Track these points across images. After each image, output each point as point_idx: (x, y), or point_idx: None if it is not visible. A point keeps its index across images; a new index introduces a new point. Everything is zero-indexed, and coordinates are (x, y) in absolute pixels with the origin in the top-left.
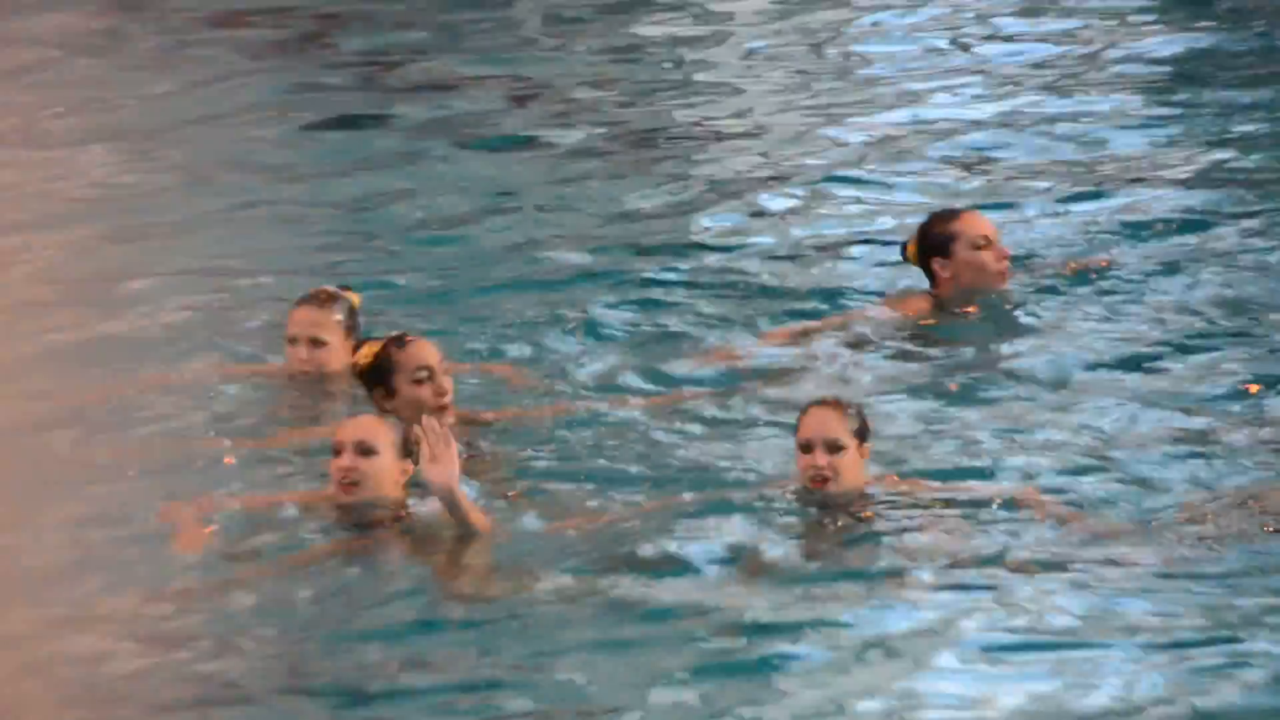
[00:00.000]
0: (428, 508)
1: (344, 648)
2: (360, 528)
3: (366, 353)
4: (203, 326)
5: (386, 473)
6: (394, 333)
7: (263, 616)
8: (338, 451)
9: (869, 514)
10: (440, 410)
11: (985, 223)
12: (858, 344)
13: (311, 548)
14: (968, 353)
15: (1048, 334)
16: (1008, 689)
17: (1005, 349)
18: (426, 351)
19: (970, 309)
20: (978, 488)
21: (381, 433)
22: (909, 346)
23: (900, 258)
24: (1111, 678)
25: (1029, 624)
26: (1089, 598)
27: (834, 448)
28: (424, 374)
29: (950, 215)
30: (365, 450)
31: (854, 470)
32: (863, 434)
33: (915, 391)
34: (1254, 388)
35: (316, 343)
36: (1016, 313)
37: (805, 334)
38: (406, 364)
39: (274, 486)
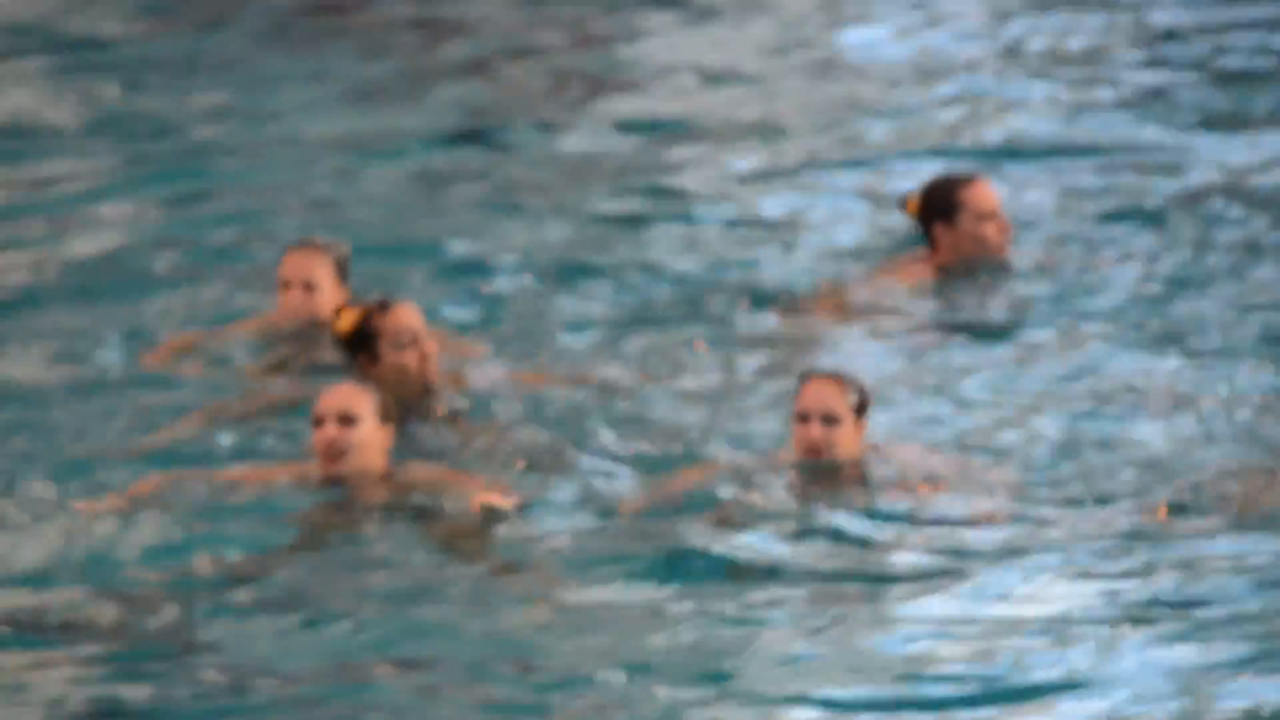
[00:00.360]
0: (410, 474)
1: (329, 628)
2: (343, 498)
3: (349, 318)
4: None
5: (370, 441)
6: (376, 297)
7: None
8: (319, 422)
9: (864, 486)
10: (423, 375)
11: (992, 194)
12: (859, 312)
13: (301, 516)
14: (966, 322)
15: (1047, 304)
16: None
17: (1003, 319)
18: (410, 316)
19: (969, 276)
20: (963, 464)
21: (362, 401)
22: (908, 315)
23: (899, 209)
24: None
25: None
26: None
27: (830, 420)
28: (408, 339)
29: (958, 182)
30: (347, 419)
31: (850, 442)
32: (861, 407)
33: (912, 361)
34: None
35: (309, 287)
36: (1014, 283)
37: (806, 303)
38: (390, 330)
39: (256, 456)
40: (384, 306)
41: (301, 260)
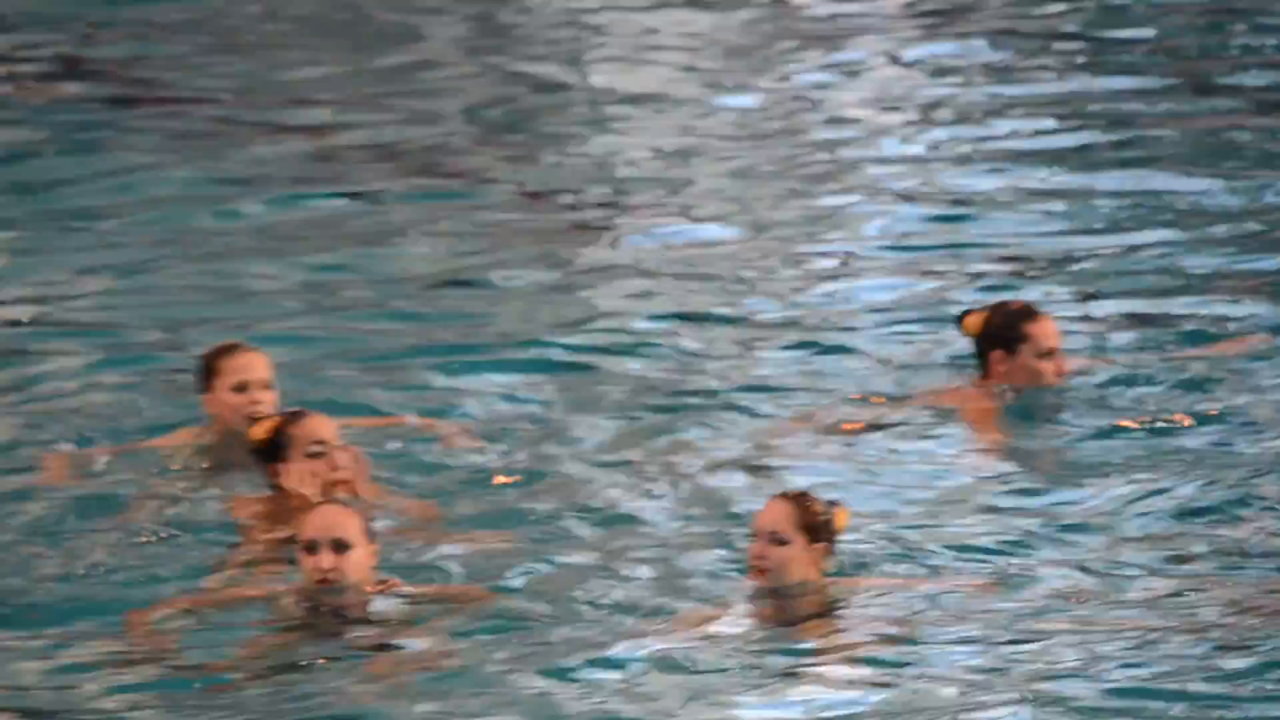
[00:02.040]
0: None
1: None
2: (330, 615)
3: (263, 428)
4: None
5: (362, 562)
6: (291, 409)
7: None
8: (311, 549)
9: (820, 619)
10: (335, 484)
11: (1055, 331)
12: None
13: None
14: (1007, 451)
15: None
16: None
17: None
18: (321, 426)
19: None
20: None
21: (353, 523)
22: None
23: (955, 326)
24: None
25: None
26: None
27: (777, 540)
28: (318, 448)
29: (1026, 315)
30: (340, 546)
31: (796, 566)
32: (817, 532)
33: (928, 486)
34: None
35: (268, 386)
36: (1062, 416)
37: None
38: (301, 438)
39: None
40: (295, 416)
41: (256, 358)
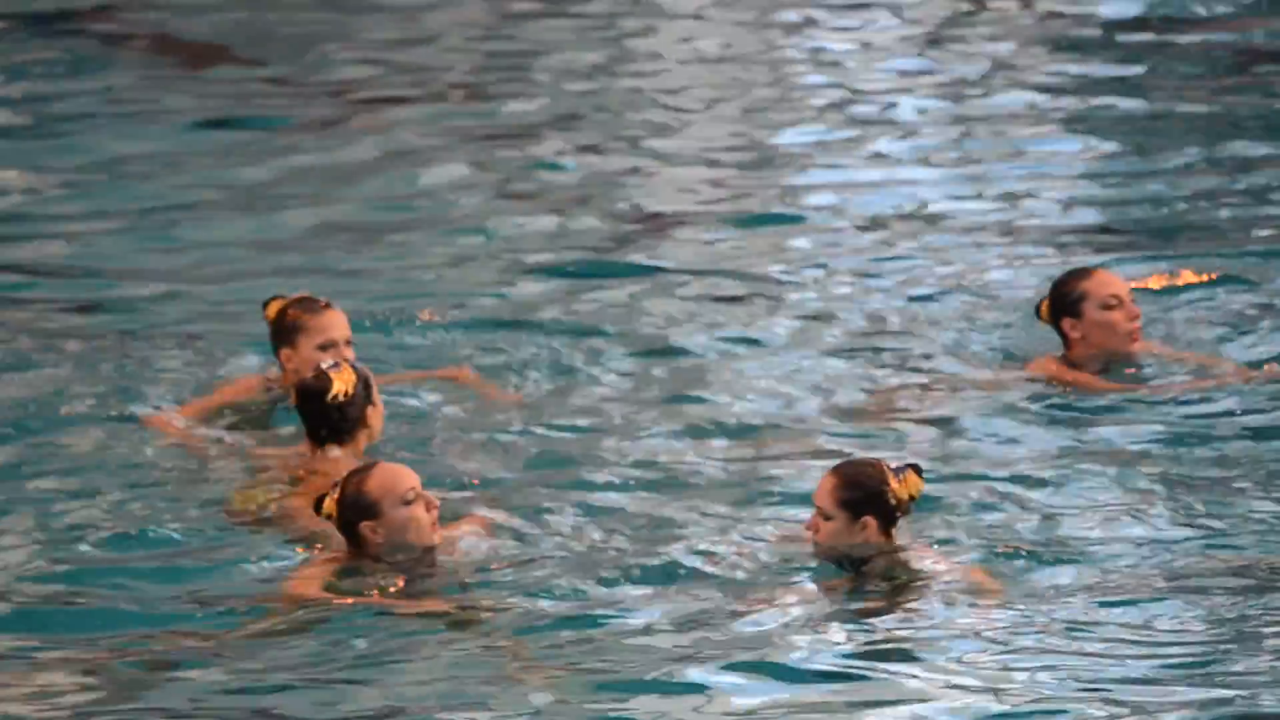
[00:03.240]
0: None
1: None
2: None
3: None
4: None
5: None
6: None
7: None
8: (413, 500)
9: (866, 581)
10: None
11: (1116, 281)
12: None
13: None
14: (1082, 426)
15: (1166, 413)
16: None
17: (1115, 428)
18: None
19: (1099, 376)
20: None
21: None
22: (1033, 411)
23: (1035, 316)
24: None
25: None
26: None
27: (824, 515)
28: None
29: (1081, 274)
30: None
31: (841, 538)
32: (858, 508)
33: (1003, 458)
34: None
35: (350, 343)
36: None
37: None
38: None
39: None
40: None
41: (339, 317)
